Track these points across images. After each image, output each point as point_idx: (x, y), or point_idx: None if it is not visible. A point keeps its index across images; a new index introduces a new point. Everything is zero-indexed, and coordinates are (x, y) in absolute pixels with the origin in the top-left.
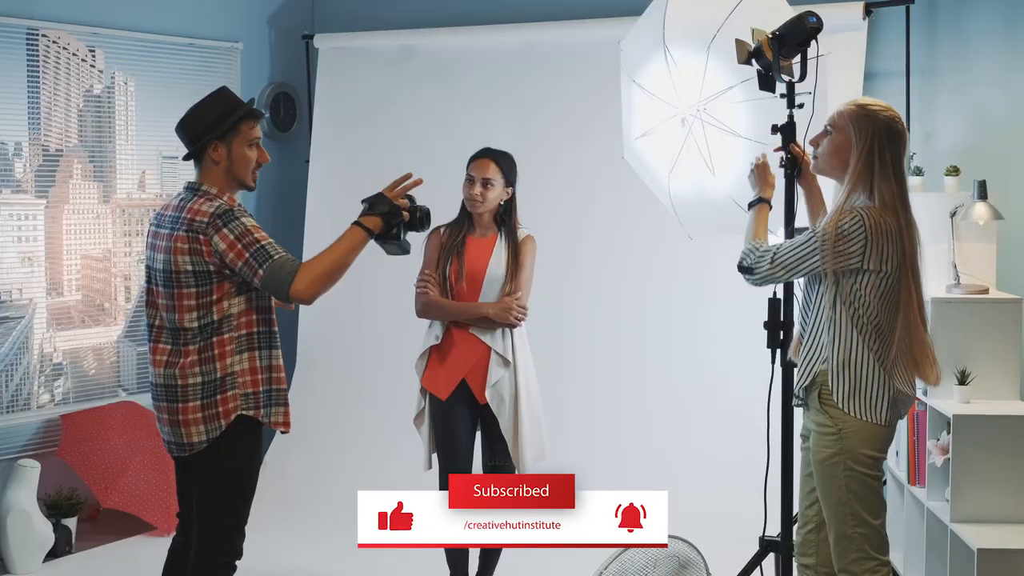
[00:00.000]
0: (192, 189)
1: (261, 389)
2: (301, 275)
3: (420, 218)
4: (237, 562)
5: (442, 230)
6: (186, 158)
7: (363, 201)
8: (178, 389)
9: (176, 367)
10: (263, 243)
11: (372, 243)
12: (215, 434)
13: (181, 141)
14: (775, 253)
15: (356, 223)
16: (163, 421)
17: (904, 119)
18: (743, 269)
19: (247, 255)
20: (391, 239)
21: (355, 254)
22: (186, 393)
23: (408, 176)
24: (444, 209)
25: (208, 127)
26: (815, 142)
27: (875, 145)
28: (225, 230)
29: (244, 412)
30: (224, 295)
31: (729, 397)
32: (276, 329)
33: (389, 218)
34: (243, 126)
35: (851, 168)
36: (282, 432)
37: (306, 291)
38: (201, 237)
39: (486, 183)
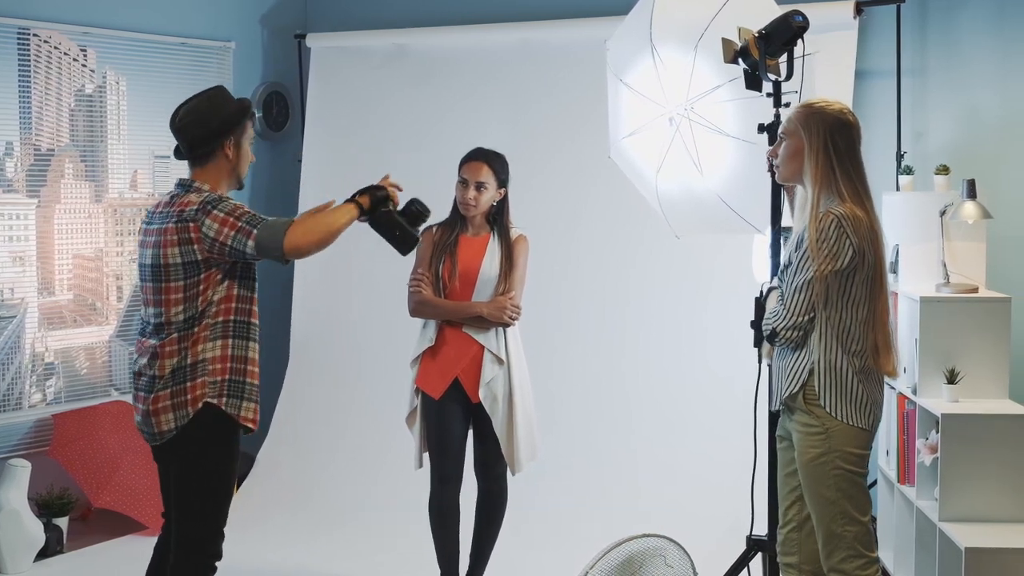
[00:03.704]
0: (184, 185)
1: (228, 378)
2: (295, 226)
3: (416, 211)
4: (217, 563)
5: (434, 229)
6: (184, 157)
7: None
8: (156, 380)
9: (159, 358)
10: (255, 213)
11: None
12: (183, 422)
13: (184, 143)
14: (784, 306)
15: (349, 199)
16: (138, 411)
17: (895, 118)
18: (771, 338)
19: (240, 223)
20: (383, 222)
21: (343, 222)
22: (164, 381)
23: (387, 177)
24: (437, 208)
25: (227, 124)
26: (772, 153)
27: (828, 142)
28: (216, 211)
29: (209, 399)
30: (210, 284)
31: (723, 396)
32: (256, 322)
33: (377, 195)
34: (247, 123)
35: (810, 170)
36: (245, 431)
37: (300, 239)
38: (191, 224)
39: (479, 186)
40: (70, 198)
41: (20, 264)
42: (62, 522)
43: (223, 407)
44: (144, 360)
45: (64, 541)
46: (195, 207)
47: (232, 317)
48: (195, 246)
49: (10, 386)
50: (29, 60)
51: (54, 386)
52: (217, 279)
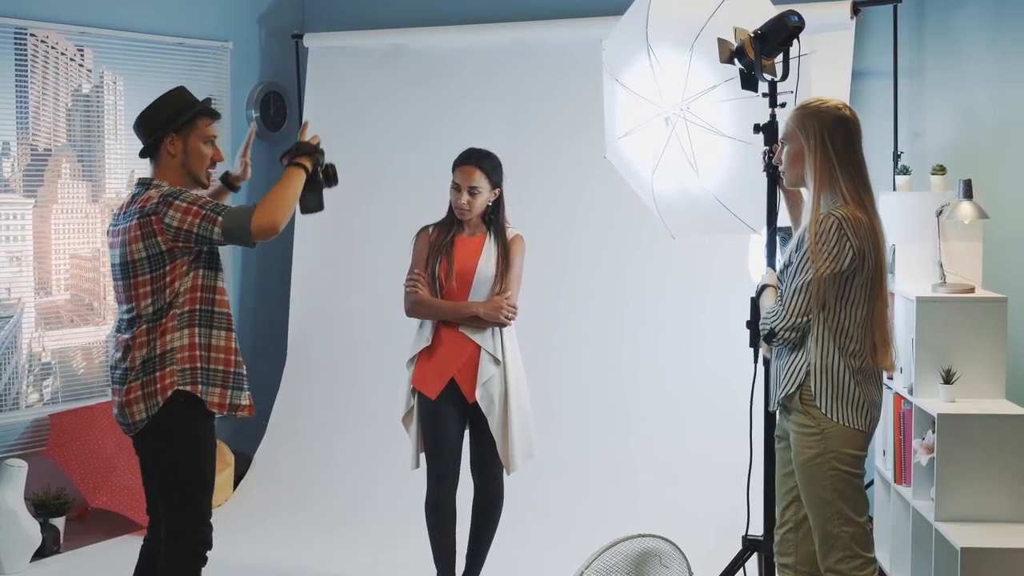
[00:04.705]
0: (144, 184)
1: (198, 366)
2: (259, 210)
3: (332, 173)
4: (208, 553)
5: (431, 229)
6: (143, 154)
7: (283, 155)
8: (128, 372)
9: (131, 350)
10: (217, 202)
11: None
12: (154, 411)
13: (138, 137)
14: (783, 306)
15: (292, 164)
16: (115, 404)
17: (892, 118)
18: (769, 338)
19: (204, 212)
20: (315, 186)
21: (298, 192)
22: (135, 373)
23: (306, 124)
24: (433, 208)
25: (165, 121)
26: (777, 159)
27: (825, 140)
28: (177, 202)
29: (181, 387)
30: (177, 276)
31: (719, 397)
32: (222, 311)
33: (318, 156)
34: (200, 122)
35: (811, 171)
36: (240, 415)
37: (267, 220)
38: (153, 218)
39: (472, 191)
40: (67, 198)
41: (17, 264)
42: (59, 522)
43: (198, 394)
44: (119, 354)
45: (61, 541)
46: (155, 201)
47: (197, 306)
48: (159, 238)
49: (7, 386)
50: (26, 60)
51: (51, 386)
52: (183, 270)
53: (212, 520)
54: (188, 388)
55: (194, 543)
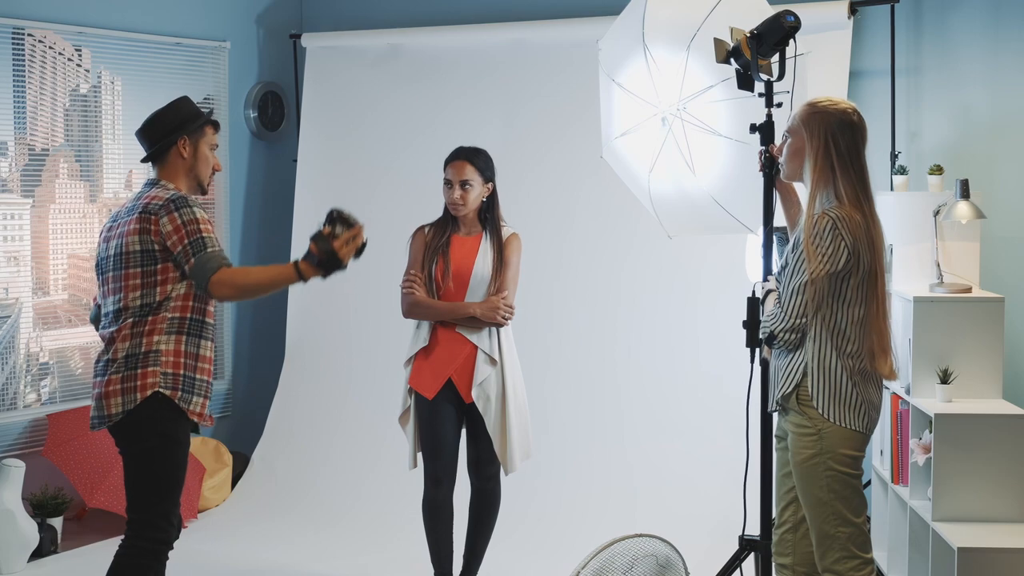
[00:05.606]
0: (151, 183)
1: (182, 372)
2: (223, 273)
3: (360, 250)
4: (168, 552)
5: (427, 230)
6: (148, 158)
7: (312, 239)
8: (110, 364)
9: (114, 343)
10: (204, 235)
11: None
12: (130, 406)
13: (145, 143)
14: (781, 308)
15: (295, 265)
16: (93, 396)
17: (889, 118)
18: (770, 341)
19: (187, 241)
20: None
21: (279, 288)
22: (117, 365)
23: (359, 230)
24: (430, 208)
25: (180, 124)
26: (778, 151)
27: (829, 142)
28: (175, 213)
29: (162, 390)
30: (168, 278)
31: (714, 397)
32: (211, 322)
33: (329, 270)
34: (207, 129)
35: (810, 169)
36: (203, 424)
37: (220, 287)
38: (152, 218)
39: (464, 185)
40: (65, 198)
41: (15, 264)
42: (56, 522)
43: (177, 400)
44: (102, 347)
45: (58, 541)
46: (160, 202)
47: (189, 315)
48: (153, 238)
49: (5, 386)
50: (24, 60)
51: (49, 386)
52: (175, 276)
53: (209, 520)
54: (168, 392)
55: (155, 539)
